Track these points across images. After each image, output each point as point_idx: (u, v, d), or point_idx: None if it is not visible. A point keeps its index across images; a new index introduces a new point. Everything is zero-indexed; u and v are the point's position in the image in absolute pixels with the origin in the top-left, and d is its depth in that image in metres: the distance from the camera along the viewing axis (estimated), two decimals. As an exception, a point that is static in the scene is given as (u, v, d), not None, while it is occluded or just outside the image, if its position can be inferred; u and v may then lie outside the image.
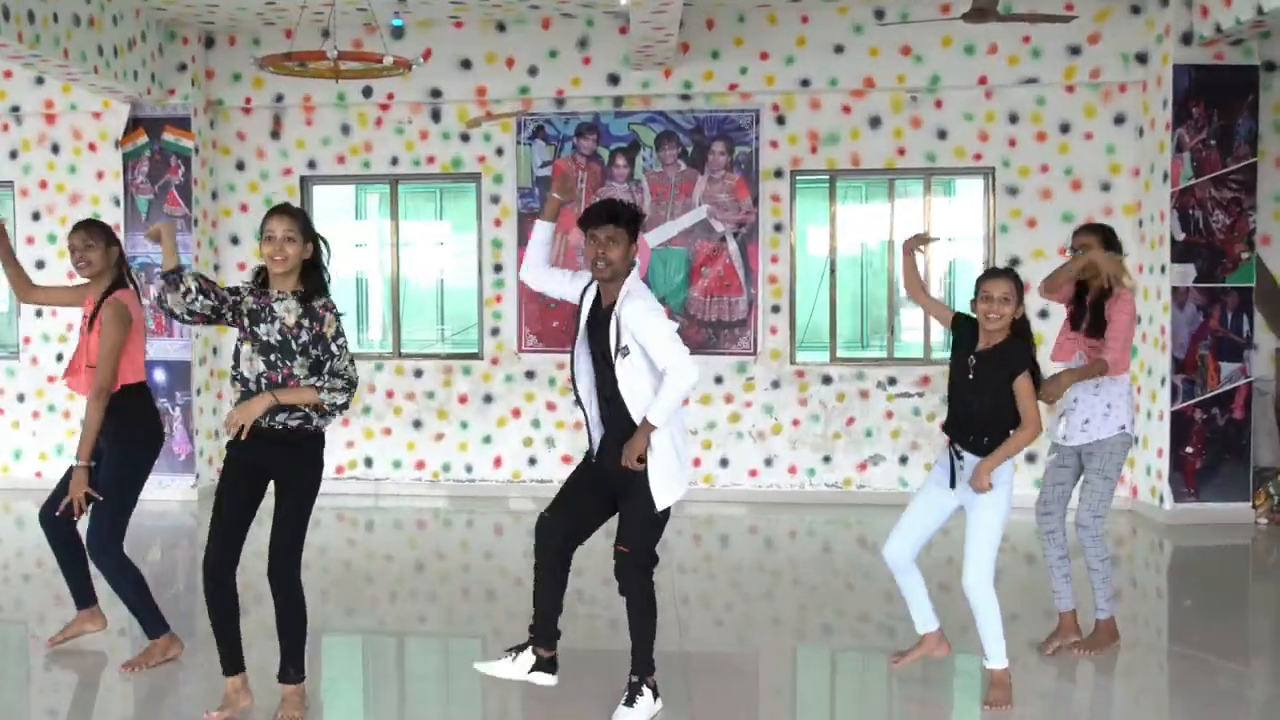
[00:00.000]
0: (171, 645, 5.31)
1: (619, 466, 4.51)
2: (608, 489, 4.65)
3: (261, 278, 4.55)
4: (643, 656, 4.64)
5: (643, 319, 4.46)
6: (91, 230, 5.26)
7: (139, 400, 5.24)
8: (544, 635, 4.75)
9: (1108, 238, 5.40)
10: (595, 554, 5.27)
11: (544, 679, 4.73)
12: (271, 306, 4.47)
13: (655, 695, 4.67)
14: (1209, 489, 8.40)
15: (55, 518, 5.19)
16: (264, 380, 4.43)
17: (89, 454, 5.03)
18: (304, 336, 4.45)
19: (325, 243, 4.58)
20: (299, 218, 4.51)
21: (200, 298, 4.42)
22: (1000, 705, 4.71)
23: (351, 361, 4.53)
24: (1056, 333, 5.64)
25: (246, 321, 4.48)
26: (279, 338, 4.44)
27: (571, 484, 4.77)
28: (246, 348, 4.46)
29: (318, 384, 4.41)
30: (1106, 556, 5.40)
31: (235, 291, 4.53)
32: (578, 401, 4.75)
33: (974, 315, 4.74)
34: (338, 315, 4.54)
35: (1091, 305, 5.33)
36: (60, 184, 9.74)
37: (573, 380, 4.72)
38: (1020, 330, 4.68)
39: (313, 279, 4.52)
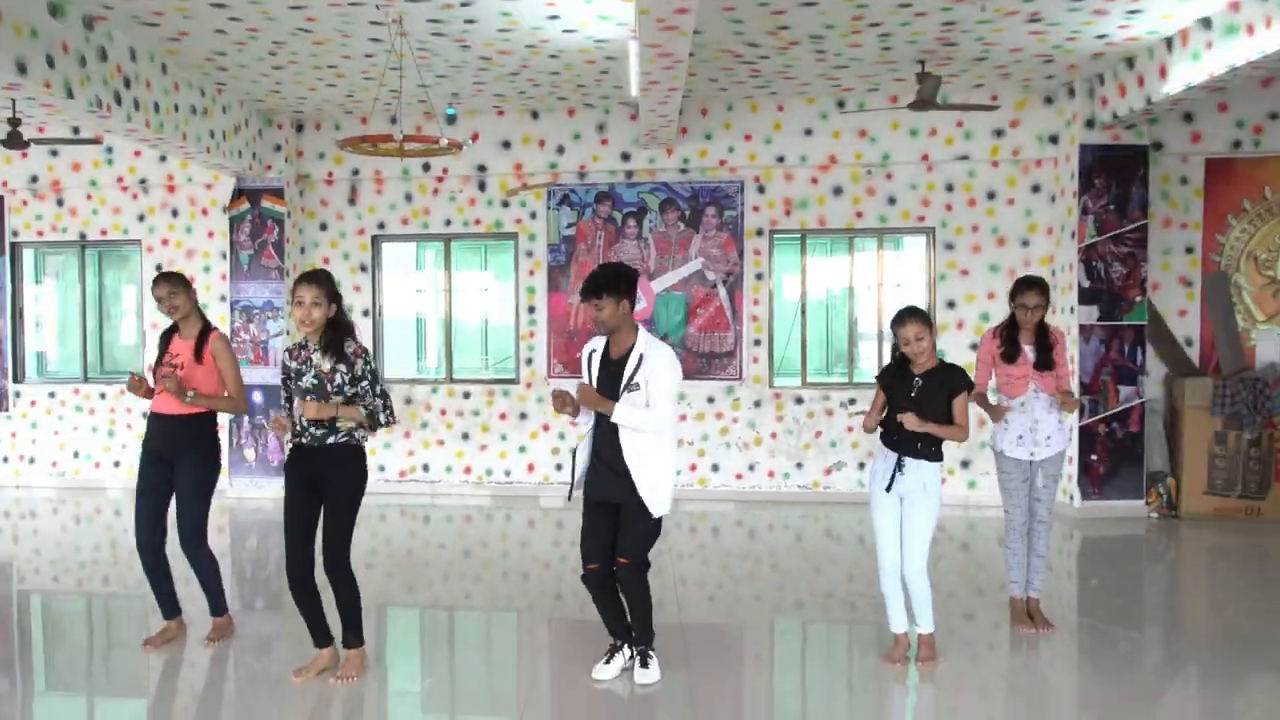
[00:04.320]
0: (229, 625, 5.21)
1: (612, 484, 4.45)
2: (609, 506, 4.52)
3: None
4: (645, 632, 4.63)
5: (664, 367, 4.40)
6: (171, 280, 4.94)
7: (214, 424, 5.05)
8: (624, 637, 4.69)
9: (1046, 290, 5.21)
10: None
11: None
12: (310, 358, 4.42)
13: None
14: (1110, 489, 8.39)
15: (151, 545, 4.98)
16: (310, 424, 4.40)
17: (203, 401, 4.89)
18: (338, 379, 4.39)
19: (344, 304, 4.59)
20: (325, 283, 4.39)
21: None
22: (930, 661, 4.79)
23: (383, 394, 4.41)
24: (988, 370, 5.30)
25: (291, 382, 4.46)
26: (314, 382, 4.39)
27: (586, 531, 4.59)
28: (296, 401, 4.42)
29: (366, 405, 4.39)
30: None
31: (285, 374, 4.52)
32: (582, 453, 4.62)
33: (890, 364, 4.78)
34: (368, 360, 4.43)
35: (1040, 347, 5.14)
36: (179, 242, 9.81)
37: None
38: (950, 364, 4.71)
39: (337, 331, 4.41)
